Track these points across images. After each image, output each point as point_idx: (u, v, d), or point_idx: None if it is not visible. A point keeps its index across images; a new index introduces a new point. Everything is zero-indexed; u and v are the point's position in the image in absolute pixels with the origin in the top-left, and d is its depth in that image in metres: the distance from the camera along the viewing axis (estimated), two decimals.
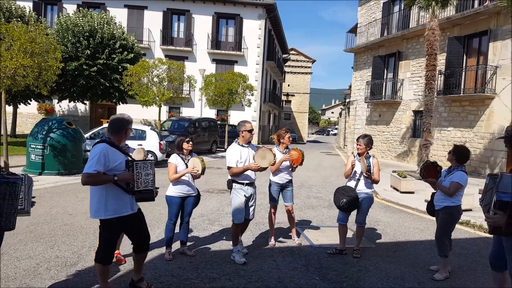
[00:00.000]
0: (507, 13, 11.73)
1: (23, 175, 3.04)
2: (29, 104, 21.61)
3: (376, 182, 5.16)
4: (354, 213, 5.28)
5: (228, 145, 4.89)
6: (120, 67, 19.45)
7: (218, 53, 27.05)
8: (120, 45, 19.91)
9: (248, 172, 4.75)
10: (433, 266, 4.91)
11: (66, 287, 3.92)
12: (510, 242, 3.02)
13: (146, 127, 14.77)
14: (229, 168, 4.71)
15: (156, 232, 5.79)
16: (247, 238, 5.69)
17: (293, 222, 5.81)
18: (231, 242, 4.98)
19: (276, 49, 35.20)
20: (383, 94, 20.79)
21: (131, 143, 4.97)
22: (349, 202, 5.04)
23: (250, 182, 4.83)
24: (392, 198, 9.58)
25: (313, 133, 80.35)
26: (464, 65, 16.03)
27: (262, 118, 30.02)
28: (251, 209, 4.94)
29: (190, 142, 4.85)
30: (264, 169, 4.73)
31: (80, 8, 21.25)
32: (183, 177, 4.74)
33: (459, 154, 4.59)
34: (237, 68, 25.63)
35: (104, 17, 20.37)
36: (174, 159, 4.79)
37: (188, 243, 5.14)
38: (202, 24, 26.90)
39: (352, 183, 5.19)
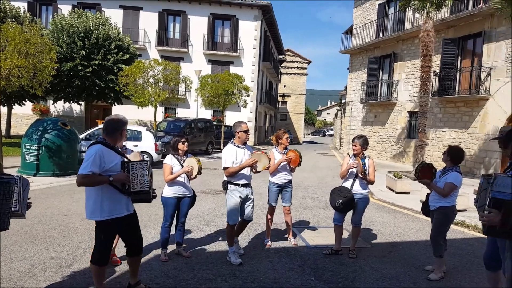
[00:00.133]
0: (501, 15, 11.82)
1: (18, 177, 3.02)
2: (24, 105, 21.46)
3: (372, 182, 5.19)
4: (349, 214, 5.30)
5: (224, 146, 4.89)
6: (115, 67, 19.39)
7: (214, 54, 27.03)
8: (115, 45, 19.86)
9: (244, 172, 4.75)
10: (428, 266, 4.93)
11: None
12: (504, 241, 3.04)
13: (141, 128, 14.74)
14: (225, 168, 4.71)
15: (152, 233, 5.78)
16: (243, 239, 5.68)
17: (290, 222, 5.83)
18: (227, 243, 4.97)
19: (272, 50, 35.24)
20: (379, 95, 20.86)
21: (127, 144, 4.95)
22: (345, 203, 5.06)
23: (246, 183, 4.83)
24: (388, 199, 9.61)
25: (309, 134, 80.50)
26: (458, 66, 16.13)
27: (258, 119, 30.03)
28: (249, 210, 4.91)
29: (186, 143, 4.85)
30: (258, 172, 4.74)
31: (75, 9, 21.19)
32: (178, 178, 4.74)
33: (454, 154, 4.63)
34: (233, 69, 25.61)
35: (100, 17, 20.31)
36: (170, 160, 4.78)
37: (184, 244, 5.13)
38: (198, 25, 26.87)
39: (348, 184, 5.21)
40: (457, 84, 15.81)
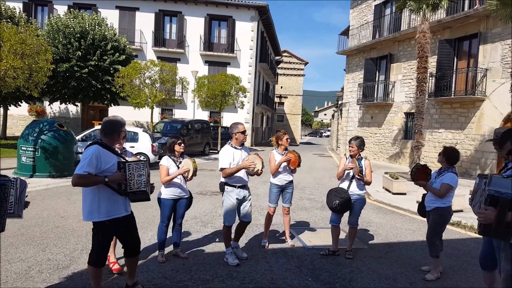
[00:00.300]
0: (496, 16, 11.89)
1: (15, 179, 3.01)
2: (20, 106, 21.38)
3: (368, 183, 5.21)
4: (346, 215, 5.32)
5: (221, 147, 4.90)
6: (111, 68, 19.36)
7: (210, 54, 27.03)
8: (111, 46, 19.81)
9: (241, 174, 4.75)
10: (424, 266, 4.96)
11: None
12: (499, 241, 3.06)
13: (138, 129, 14.71)
14: (222, 169, 4.71)
15: (149, 235, 5.77)
16: (240, 239, 5.68)
17: (288, 223, 5.83)
18: (224, 244, 4.97)
19: (268, 51, 35.27)
20: (375, 96, 20.93)
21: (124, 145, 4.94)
22: (342, 204, 5.07)
23: (243, 184, 4.82)
24: (384, 199, 9.64)
25: (306, 135, 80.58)
26: (454, 67, 16.22)
27: (255, 120, 30.05)
28: (246, 211, 4.89)
29: (182, 144, 4.84)
30: (252, 175, 4.74)
31: (71, 9, 21.13)
32: (175, 179, 4.73)
33: (449, 155, 4.65)
34: (229, 70, 25.60)
35: (96, 18, 20.25)
36: (166, 161, 4.78)
37: (181, 245, 5.12)
38: (195, 26, 26.86)
39: (344, 185, 5.22)
40: (453, 85, 15.90)
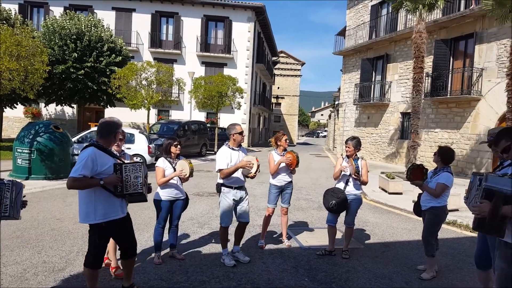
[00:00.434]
0: (492, 16, 11.95)
1: (10, 181, 2.99)
2: (15, 108, 21.26)
3: (365, 183, 5.23)
4: (343, 215, 5.33)
5: (218, 148, 4.90)
6: (108, 70, 19.31)
7: (207, 55, 27.01)
8: (108, 47, 19.76)
9: (238, 175, 4.75)
10: (420, 265, 4.97)
11: None
12: (494, 240, 3.08)
13: (134, 130, 14.67)
14: (219, 170, 4.70)
15: (145, 236, 5.76)
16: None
17: (286, 223, 5.84)
18: (220, 245, 4.96)
19: (265, 52, 35.29)
20: (372, 96, 20.99)
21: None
22: (338, 204, 5.09)
23: (240, 185, 4.82)
24: (381, 199, 9.67)
25: (303, 135, 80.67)
26: (450, 67, 16.29)
27: (252, 121, 30.05)
28: (244, 211, 4.86)
29: (178, 146, 4.84)
30: (247, 177, 4.73)
31: (67, 11, 21.07)
32: (171, 181, 4.73)
33: (444, 155, 4.68)
34: (226, 71, 25.58)
35: (92, 19, 20.20)
36: (162, 162, 4.77)
37: (178, 247, 5.12)
38: (191, 27, 26.84)
39: (341, 185, 5.24)
40: (449, 85, 15.96)
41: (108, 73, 19.08)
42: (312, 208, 8.54)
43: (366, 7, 22.43)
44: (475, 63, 14.88)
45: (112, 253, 4.37)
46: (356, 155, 5.22)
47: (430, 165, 12.20)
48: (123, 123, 4.32)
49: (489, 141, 3.74)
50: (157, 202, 4.79)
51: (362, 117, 22.38)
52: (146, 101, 17.52)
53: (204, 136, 20.76)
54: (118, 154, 4.31)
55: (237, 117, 25.85)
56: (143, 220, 6.71)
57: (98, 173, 3.31)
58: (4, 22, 16.94)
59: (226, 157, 4.70)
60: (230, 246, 5.12)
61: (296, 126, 55.41)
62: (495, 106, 13.93)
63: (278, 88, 51.87)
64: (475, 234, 6.31)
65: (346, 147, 5.22)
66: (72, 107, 23.55)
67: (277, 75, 50.50)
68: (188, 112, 23.75)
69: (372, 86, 21.16)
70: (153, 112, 25.73)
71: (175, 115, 26.48)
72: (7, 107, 20.53)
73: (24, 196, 3.19)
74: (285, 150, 5.59)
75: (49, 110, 25.89)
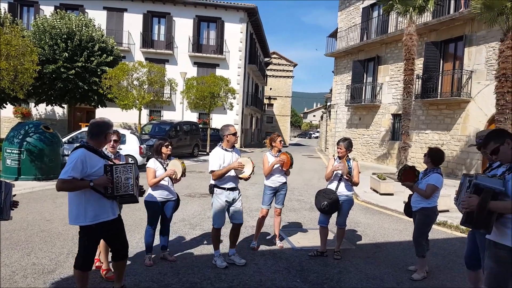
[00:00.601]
0: (481, 20, 12.09)
1: None
2: (5, 107, 21.01)
3: (356, 184, 5.26)
4: (335, 215, 5.35)
5: (211, 149, 4.89)
6: (99, 70, 19.16)
7: (199, 56, 26.95)
8: (99, 47, 19.61)
9: (231, 176, 4.73)
10: (411, 266, 5.01)
11: None
12: (483, 240, 3.12)
13: (126, 130, 14.57)
14: (211, 172, 4.68)
15: (137, 238, 5.72)
16: (228, 241, 5.66)
17: (279, 224, 5.84)
18: (212, 246, 4.95)
19: (258, 53, 35.32)
20: (363, 97, 21.11)
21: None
22: (330, 205, 5.10)
23: (233, 186, 4.79)
24: (372, 200, 9.73)
25: (295, 136, 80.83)
26: (440, 69, 16.45)
27: (245, 122, 30.04)
28: (237, 212, 4.83)
29: (169, 147, 4.81)
30: (241, 178, 4.72)
31: (58, 10, 20.86)
32: (162, 182, 4.70)
33: (434, 156, 4.72)
34: (218, 72, 25.55)
35: (83, 19, 20.03)
36: (153, 163, 4.74)
37: (169, 248, 5.09)
38: (183, 27, 26.76)
39: (333, 186, 5.26)
40: (439, 87, 16.12)
41: (99, 73, 18.94)
42: (304, 209, 8.56)
43: (357, 9, 22.57)
44: (464, 66, 15.06)
45: (103, 255, 4.33)
46: (347, 156, 5.25)
47: (421, 166, 12.30)
48: (114, 123, 4.29)
49: (478, 144, 3.79)
50: (148, 203, 4.76)
51: (354, 118, 22.50)
52: (137, 101, 17.42)
53: (196, 136, 20.69)
54: (113, 156, 4.28)
55: (229, 117, 25.82)
56: (134, 221, 6.67)
57: (88, 175, 3.28)
58: None
59: (219, 158, 4.68)
60: (222, 247, 5.11)
61: (289, 127, 55.53)
62: (484, 108, 14.10)
63: (271, 89, 51.96)
64: (465, 235, 6.39)
65: (338, 148, 5.24)
66: (63, 107, 23.31)
67: (270, 76, 50.59)
68: (180, 112, 23.66)
69: (364, 87, 21.29)
70: (145, 112, 25.61)
71: (167, 115, 26.36)
72: None
73: (14, 195, 3.15)
74: (279, 151, 5.60)
75: (39, 110, 25.60)
